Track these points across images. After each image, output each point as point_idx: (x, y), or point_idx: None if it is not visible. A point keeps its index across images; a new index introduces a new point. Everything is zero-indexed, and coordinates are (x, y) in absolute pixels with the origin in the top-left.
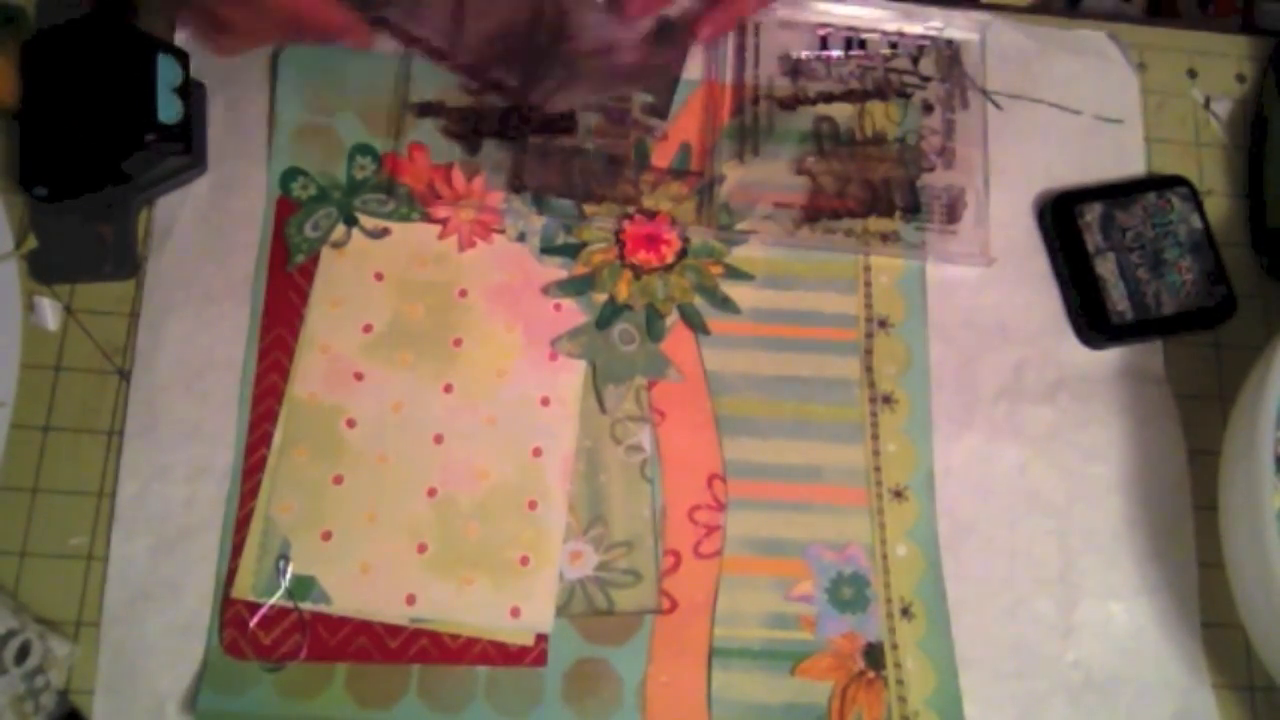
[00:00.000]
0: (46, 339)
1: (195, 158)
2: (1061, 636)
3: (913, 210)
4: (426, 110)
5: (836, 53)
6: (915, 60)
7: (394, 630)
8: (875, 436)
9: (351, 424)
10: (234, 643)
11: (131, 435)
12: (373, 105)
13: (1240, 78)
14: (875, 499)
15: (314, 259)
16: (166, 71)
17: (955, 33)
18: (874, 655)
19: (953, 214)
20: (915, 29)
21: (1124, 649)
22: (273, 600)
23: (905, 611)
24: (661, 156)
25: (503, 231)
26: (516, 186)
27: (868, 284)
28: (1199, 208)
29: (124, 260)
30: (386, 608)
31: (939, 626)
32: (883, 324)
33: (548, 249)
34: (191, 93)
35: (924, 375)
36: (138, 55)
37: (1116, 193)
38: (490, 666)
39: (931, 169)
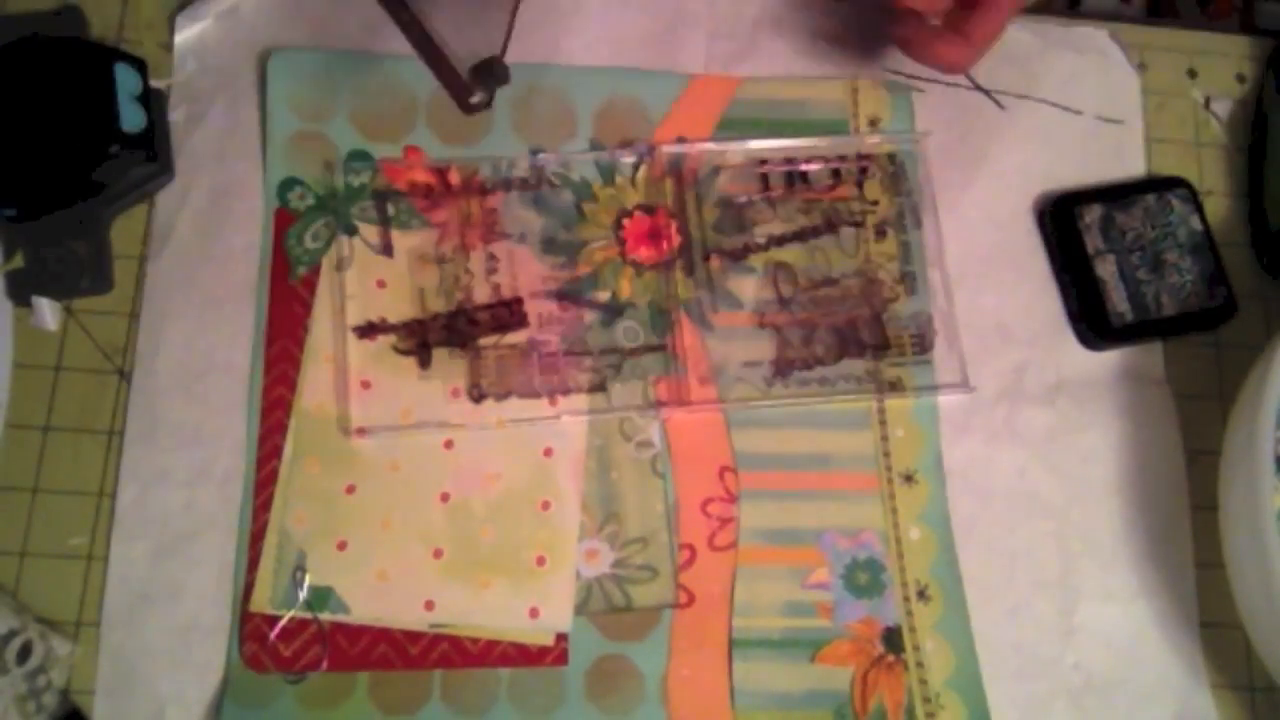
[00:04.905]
0: (46, 339)
1: (161, 165)
2: (1062, 638)
3: (883, 347)
4: (368, 331)
5: (778, 191)
6: (860, 185)
7: (414, 636)
8: (883, 422)
9: (362, 433)
10: (254, 656)
11: (132, 438)
12: (366, 109)
13: (1240, 78)
14: (886, 484)
15: (315, 269)
16: (125, 80)
17: (898, 144)
18: (893, 639)
19: (923, 343)
20: (853, 150)
21: (1124, 651)
22: (291, 612)
23: (921, 594)
24: (659, 154)
25: (502, 232)
26: (477, 395)
27: (867, 257)
28: (1199, 209)
29: (100, 275)
30: (405, 614)
31: (956, 608)
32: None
33: (549, 248)
34: (153, 100)
35: (931, 361)
36: (94, 66)
37: (1116, 194)
38: (512, 668)
39: (895, 299)
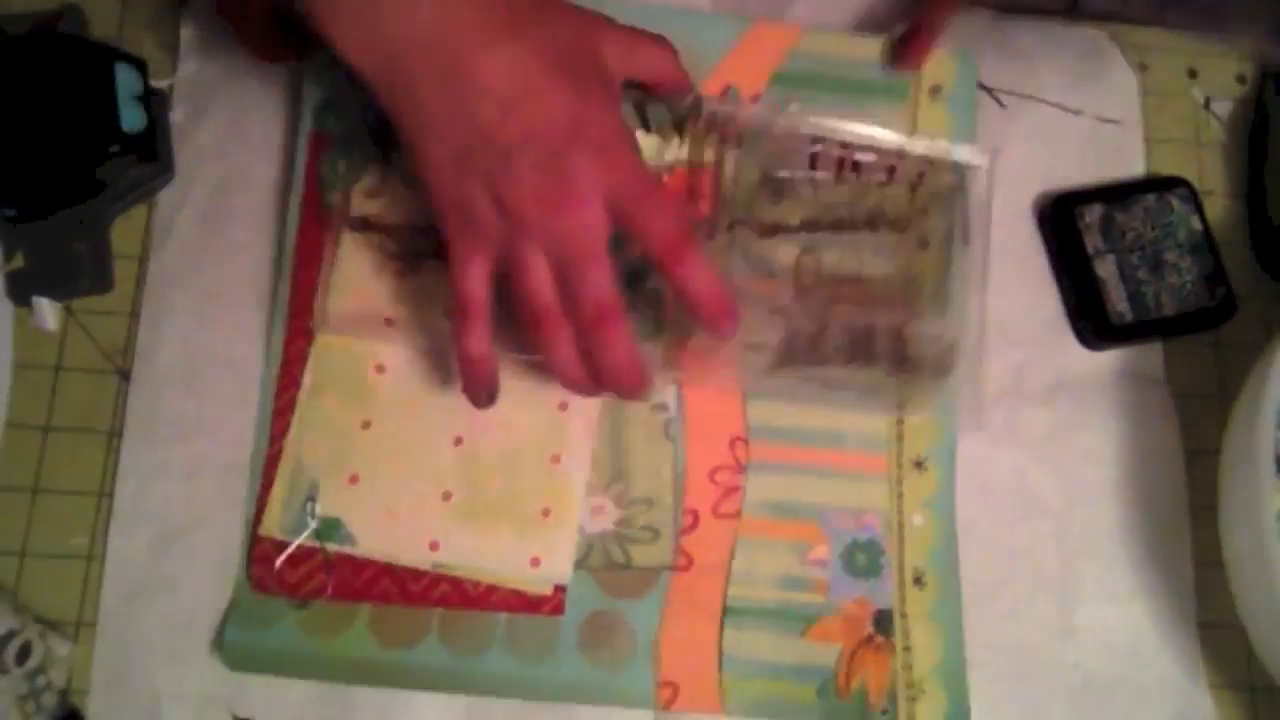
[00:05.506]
0: (46, 339)
1: (162, 165)
2: (1061, 639)
3: (898, 362)
4: (361, 225)
5: (825, 175)
6: (914, 188)
7: (417, 574)
8: (899, 406)
9: (380, 369)
10: (261, 579)
11: (131, 432)
12: None
13: (1240, 78)
14: (895, 468)
15: (347, 196)
16: (126, 80)
17: (963, 155)
18: (883, 622)
19: (941, 367)
20: (918, 150)
21: (1123, 651)
22: (300, 539)
23: (917, 580)
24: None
25: None
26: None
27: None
28: (1199, 209)
29: (101, 275)
30: (411, 552)
31: (950, 598)
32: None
33: None
34: (153, 100)
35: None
36: (94, 66)
37: (1116, 194)
38: (509, 613)
39: (921, 315)
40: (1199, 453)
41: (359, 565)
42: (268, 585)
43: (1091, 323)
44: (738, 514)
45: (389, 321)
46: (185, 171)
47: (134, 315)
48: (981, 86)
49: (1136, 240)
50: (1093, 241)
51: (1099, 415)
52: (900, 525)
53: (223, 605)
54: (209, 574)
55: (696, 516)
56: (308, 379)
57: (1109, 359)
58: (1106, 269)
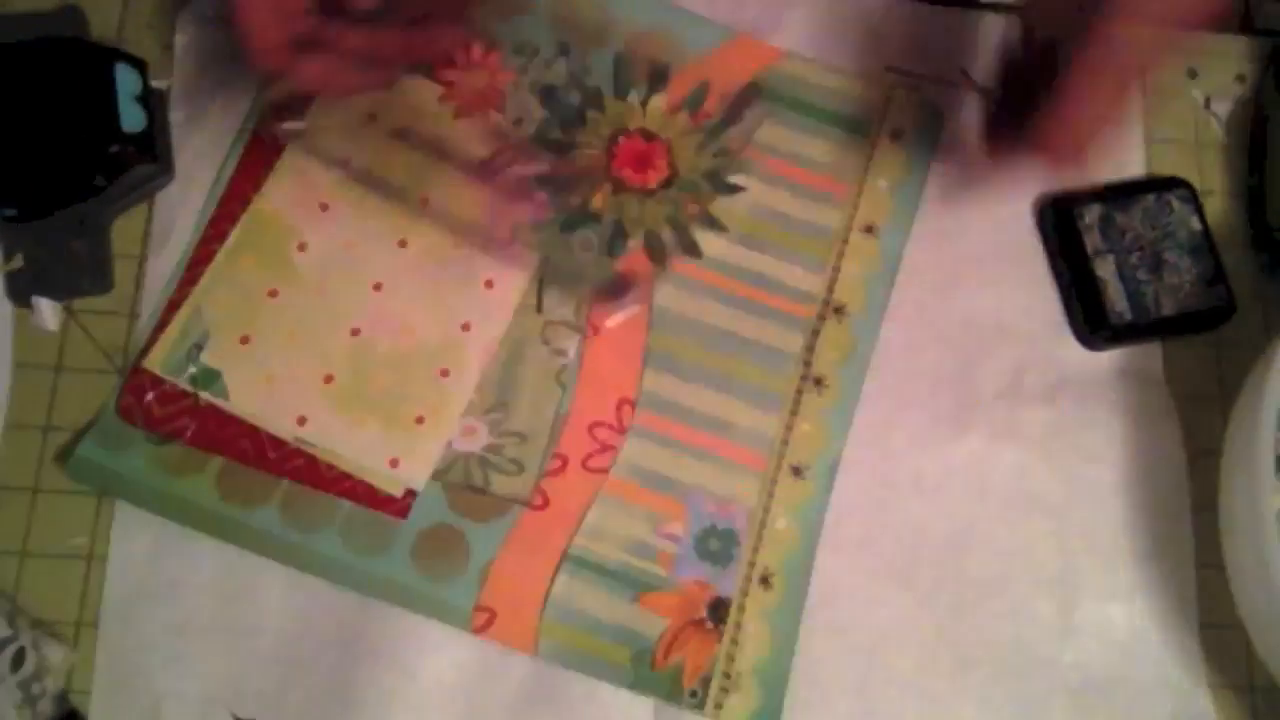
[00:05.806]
0: (46, 339)
1: (162, 165)
2: (1060, 637)
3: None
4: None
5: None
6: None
7: (277, 443)
8: (794, 412)
9: (303, 248)
10: (129, 406)
11: None
12: None
13: (1240, 78)
14: (773, 469)
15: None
16: (125, 80)
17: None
18: (718, 609)
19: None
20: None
21: (1123, 650)
22: (178, 381)
23: (764, 580)
24: (678, 90)
25: (501, 111)
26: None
27: (836, 269)
28: (1198, 210)
29: (101, 275)
30: (277, 420)
31: (792, 605)
32: (838, 311)
33: (539, 140)
34: (153, 100)
35: (862, 368)
36: (94, 66)
37: (1116, 195)
38: (353, 503)
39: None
40: (1199, 453)
41: (224, 419)
42: (133, 415)
43: (1091, 323)
44: (605, 471)
45: (324, 206)
46: (184, 173)
47: (134, 315)
48: (977, 87)
49: (1136, 241)
50: (1092, 242)
51: (1099, 415)
52: (763, 524)
53: (224, 610)
54: (210, 578)
55: (565, 463)
56: (232, 238)
57: (1109, 359)
58: (1106, 269)
